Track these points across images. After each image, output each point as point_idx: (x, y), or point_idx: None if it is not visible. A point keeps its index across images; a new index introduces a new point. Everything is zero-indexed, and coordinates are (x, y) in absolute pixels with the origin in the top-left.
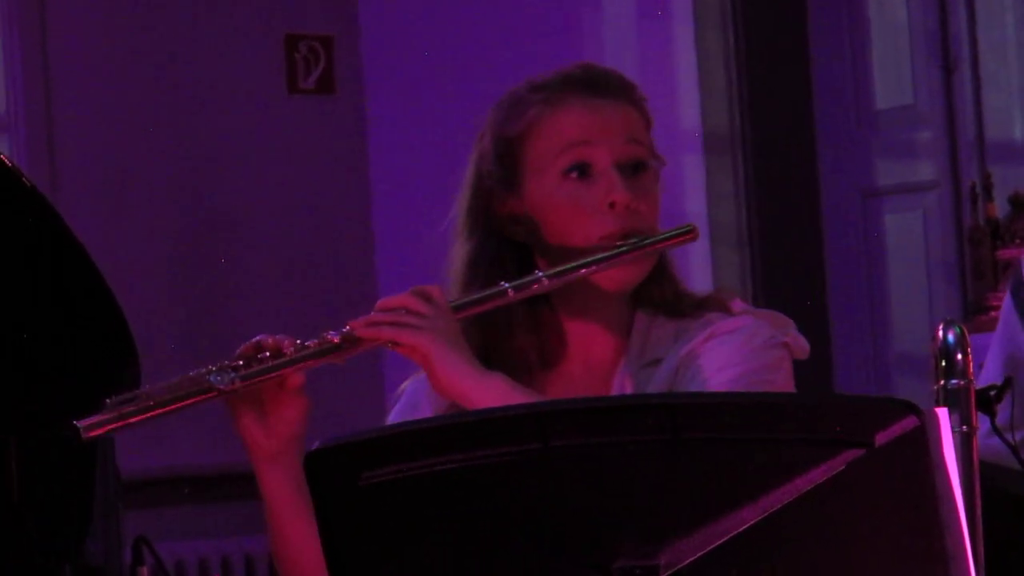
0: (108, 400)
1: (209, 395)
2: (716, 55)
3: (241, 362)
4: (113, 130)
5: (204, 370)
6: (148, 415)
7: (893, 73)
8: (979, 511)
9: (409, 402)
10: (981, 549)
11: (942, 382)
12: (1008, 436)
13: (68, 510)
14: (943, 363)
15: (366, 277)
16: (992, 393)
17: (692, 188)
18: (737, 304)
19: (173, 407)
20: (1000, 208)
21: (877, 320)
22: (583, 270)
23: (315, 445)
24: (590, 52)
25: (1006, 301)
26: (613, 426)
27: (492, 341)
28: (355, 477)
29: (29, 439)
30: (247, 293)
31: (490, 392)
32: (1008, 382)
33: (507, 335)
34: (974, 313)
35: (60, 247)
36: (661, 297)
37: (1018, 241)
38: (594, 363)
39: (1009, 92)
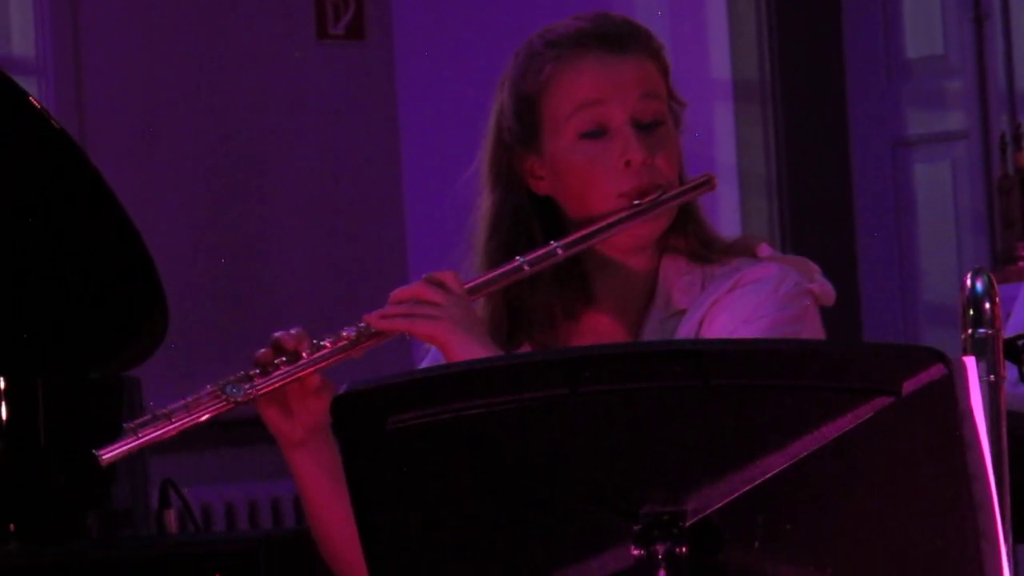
0: (126, 425)
1: (225, 407)
2: (746, 4)
3: (257, 371)
4: (141, 75)
5: (220, 383)
6: (167, 435)
7: (924, 23)
8: (1006, 460)
9: (435, 359)
10: (1008, 498)
11: (970, 331)
12: None
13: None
14: (971, 312)
15: (395, 223)
16: (1020, 343)
17: (722, 137)
18: (764, 249)
19: (191, 423)
20: None
21: (906, 269)
22: (599, 236)
23: (342, 389)
24: (620, 4)
25: None
26: (641, 372)
27: (516, 297)
28: (382, 421)
29: (56, 383)
30: (276, 238)
31: None
32: None
33: (531, 290)
34: (1003, 263)
35: (90, 190)
36: (687, 245)
37: None
38: (620, 314)
39: None
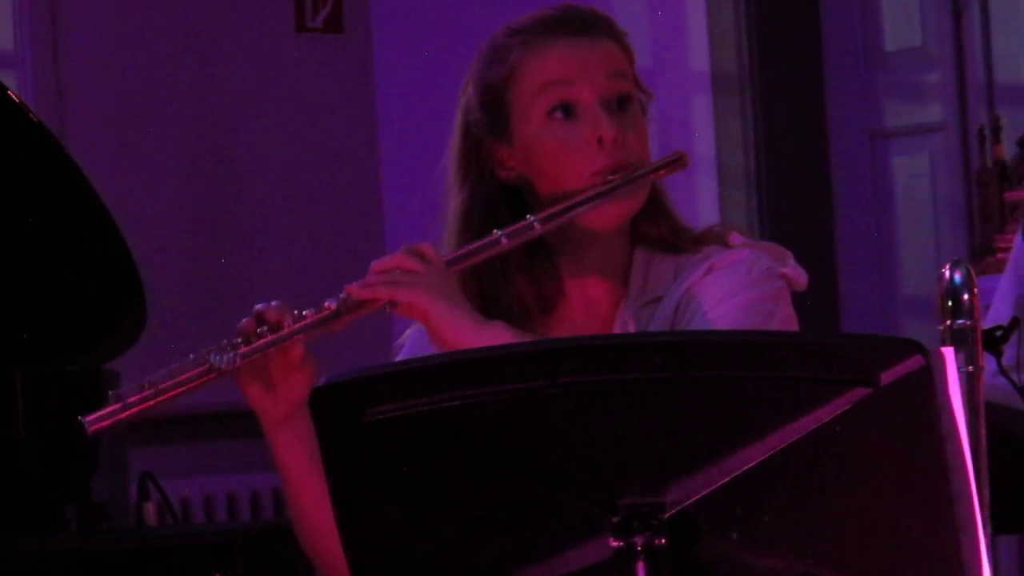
0: (111, 392)
1: (210, 376)
2: None
3: (240, 339)
4: (120, 68)
5: (204, 351)
6: (152, 403)
7: (902, 14)
8: (984, 450)
9: (411, 351)
10: (986, 489)
11: (948, 322)
12: (1014, 376)
13: (73, 447)
14: (949, 303)
15: (374, 215)
16: (998, 333)
17: (700, 129)
18: (735, 237)
19: (176, 392)
20: (1008, 150)
21: (884, 261)
22: (576, 210)
23: (321, 381)
24: None
25: (1017, 242)
26: (620, 363)
27: (490, 289)
28: (360, 413)
29: (35, 375)
30: (255, 231)
31: (491, 341)
32: (1015, 322)
33: (504, 282)
34: (981, 255)
35: (67, 184)
36: (658, 234)
37: None
38: (594, 304)
39: (1018, 33)
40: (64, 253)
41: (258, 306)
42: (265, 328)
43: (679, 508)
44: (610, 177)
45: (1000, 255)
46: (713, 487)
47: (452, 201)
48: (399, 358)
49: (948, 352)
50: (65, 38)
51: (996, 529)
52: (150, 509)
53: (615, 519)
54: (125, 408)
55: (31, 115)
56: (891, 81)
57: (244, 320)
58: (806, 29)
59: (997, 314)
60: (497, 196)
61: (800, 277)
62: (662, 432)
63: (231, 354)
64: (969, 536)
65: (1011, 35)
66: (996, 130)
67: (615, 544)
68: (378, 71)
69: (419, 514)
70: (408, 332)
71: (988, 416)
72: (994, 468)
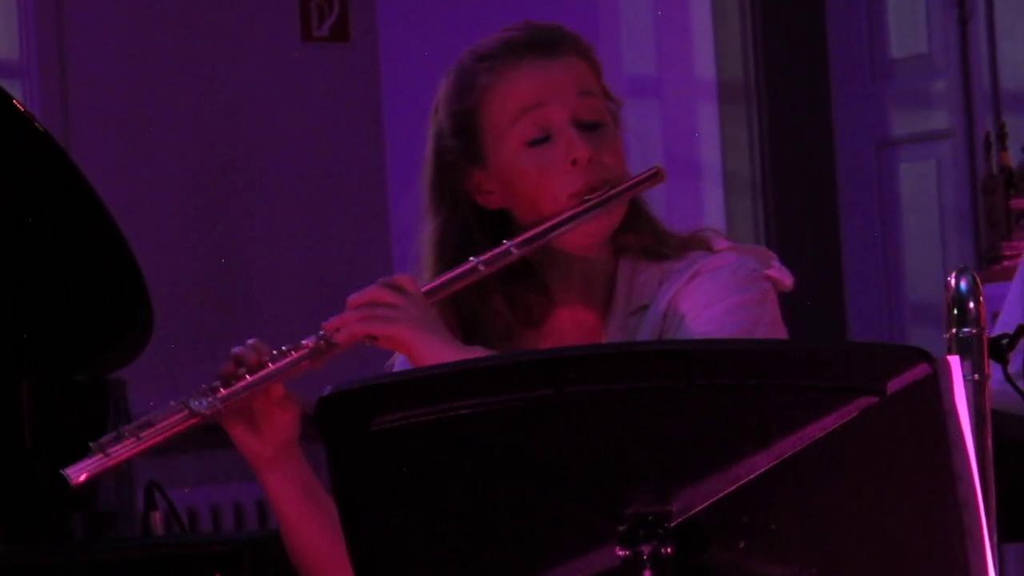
0: (92, 444)
1: (191, 422)
2: (731, 3)
3: (219, 383)
4: (127, 77)
5: (183, 398)
6: (134, 451)
7: (908, 22)
8: (991, 459)
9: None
10: (992, 497)
11: (954, 330)
12: (1021, 384)
13: (80, 456)
14: (955, 311)
15: (380, 224)
16: (1004, 341)
17: (706, 137)
18: (720, 242)
19: (157, 440)
20: (1014, 157)
21: (891, 269)
22: (553, 232)
23: (327, 390)
24: (605, 7)
25: None
26: (626, 372)
27: (470, 313)
28: (366, 422)
29: (41, 385)
30: (261, 240)
31: None
32: (1021, 330)
33: (483, 304)
34: (988, 262)
35: (73, 193)
36: (641, 243)
37: None
38: (582, 317)
39: None
40: (70, 262)
41: (235, 349)
42: (243, 370)
43: (686, 517)
44: (587, 197)
45: (1006, 263)
46: (720, 495)
47: (426, 228)
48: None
49: (954, 360)
50: (71, 47)
51: (1002, 537)
52: (157, 518)
53: (621, 528)
54: (107, 458)
55: (37, 124)
56: (897, 89)
57: (224, 364)
58: (812, 37)
59: (1007, 320)
60: (473, 222)
61: (785, 278)
62: (668, 440)
63: (211, 398)
64: (975, 544)
65: (1017, 42)
66: (1002, 137)
67: (622, 553)
68: (384, 80)
69: (426, 523)
70: (395, 358)
71: (995, 424)
72: (1000, 476)
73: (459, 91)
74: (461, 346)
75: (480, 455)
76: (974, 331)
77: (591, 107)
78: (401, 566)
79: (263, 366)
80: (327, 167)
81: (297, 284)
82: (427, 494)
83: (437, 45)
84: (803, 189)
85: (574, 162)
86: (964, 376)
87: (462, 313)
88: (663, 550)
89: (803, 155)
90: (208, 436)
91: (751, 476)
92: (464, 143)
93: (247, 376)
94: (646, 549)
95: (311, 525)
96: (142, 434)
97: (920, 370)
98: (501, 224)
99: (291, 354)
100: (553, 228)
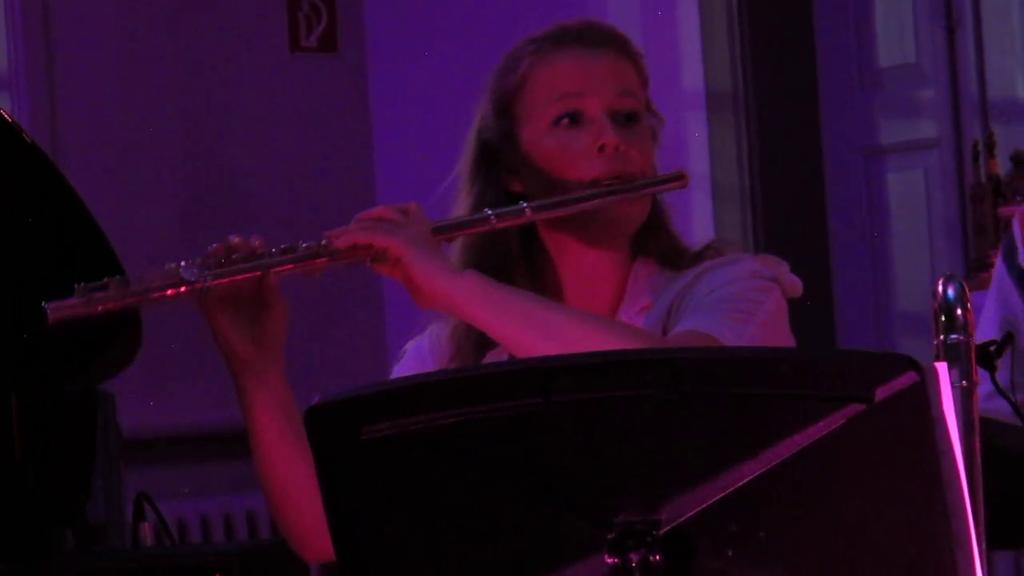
0: (77, 286)
1: (179, 289)
2: (719, 13)
3: (212, 260)
4: (115, 88)
5: (174, 265)
6: (117, 303)
7: (896, 31)
8: (979, 466)
9: (411, 363)
10: (981, 505)
11: (942, 337)
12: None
13: (70, 468)
14: (943, 318)
15: None
16: (992, 348)
17: (695, 147)
18: (732, 253)
19: (142, 298)
20: (1002, 166)
21: (879, 277)
22: (568, 207)
23: (316, 399)
24: (593, 9)
25: (998, 265)
26: (614, 381)
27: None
28: (356, 432)
29: (30, 397)
30: None
31: (464, 288)
32: (1009, 337)
33: (505, 280)
34: (976, 270)
35: (62, 205)
36: (658, 249)
37: (1019, 198)
38: (591, 310)
39: (1012, 50)
40: (58, 273)
41: (235, 237)
42: (240, 255)
43: (674, 525)
44: (608, 183)
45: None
46: (708, 503)
47: (459, 207)
48: (398, 368)
49: (942, 367)
50: (59, 59)
51: (991, 545)
52: (146, 530)
53: (610, 536)
54: (89, 303)
55: (25, 136)
56: (885, 98)
57: (215, 245)
58: (800, 46)
59: (984, 334)
60: (502, 201)
61: (795, 284)
62: (657, 449)
63: (204, 271)
64: (964, 552)
65: (1005, 51)
66: (990, 146)
67: (611, 561)
68: (372, 90)
69: (415, 531)
70: (410, 344)
71: (983, 432)
72: (989, 483)
73: (503, 71)
74: (454, 268)
75: (470, 464)
76: (962, 338)
77: (628, 105)
78: (392, 574)
79: (260, 256)
80: (316, 177)
81: (286, 292)
82: (417, 503)
83: (425, 56)
84: (791, 198)
85: (601, 148)
86: (952, 383)
87: None
88: (652, 558)
89: (791, 164)
90: (197, 448)
91: (739, 484)
92: (501, 123)
93: (242, 261)
94: (635, 557)
95: (285, 447)
96: (128, 288)
97: (908, 378)
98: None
99: (291, 249)
100: (569, 201)
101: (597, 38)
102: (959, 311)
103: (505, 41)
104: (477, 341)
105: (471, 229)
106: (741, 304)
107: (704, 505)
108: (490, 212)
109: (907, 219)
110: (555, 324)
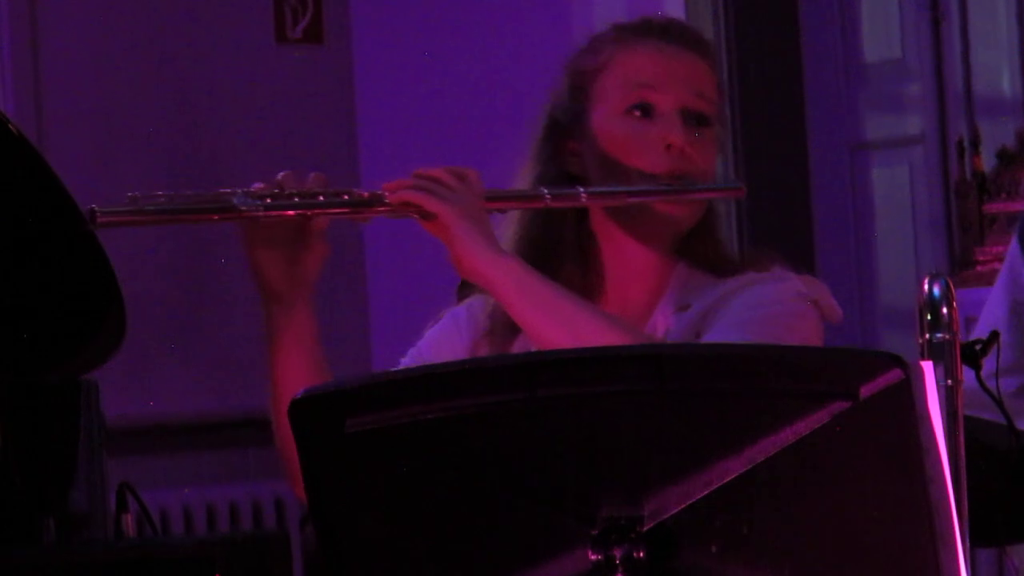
0: (130, 194)
1: (230, 214)
2: (704, 8)
3: (268, 192)
4: (100, 79)
5: (228, 191)
6: (164, 217)
7: (881, 26)
8: (963, 463)
9: (445, 327)
10: (965, 502)
11: (927, 335)
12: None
13: (52, 458)
14: (928, 316)
15: (352, 226)
16: (978, 347)
17: None
18: (777, 267)
19: (192, 217)
20: (987, 162)
21: (864, 273)
22: (624, 197)
23: (300, 393)
24: (579, 7)
25: (1012, 246)
26: (599, 376)
27: (539, 266)
28: (340, 425)
29: (12, 386)
30: (234, 240)
31: (503, 271)
32: (995, 335)
33: (555, 263)
34: (960, 267)
35: (46, 194)
36: (703, 253)
37: (1004, 195)
38: (630, 304)
39: (997, 46)
40: (42, 262)
41: (283, 173)
42: (294, 192)
43: (658, 520)
44: (667, 183)
45: (979, 267)
46: (692, 499)
47: (520, 181)
48: (434, 329)
49: (927, 365)
50: (44, 49)
51: (975, 542)
52: (128, 520)
53: (594, 531)
54: (138, 212)
55: (10, 126)
56: (871, 93)
57: (282, 174)
58: (785, 41)
59: (989, 319)
60: (565, 181)
61: (835, 309)
62: (641, 444)
63: (257, 202)
64: (948, 549)
65: (990, 46)
66: (975, 142)
67: (594, 557)
68: (358, 81)
69: (398, 525)
70: (446, 311)
71: (968, 430)
72: (973, 480)
73: (584, 52)
74: (499, 248)
75: (454, 458)
76: (947, 336)
77: (701, 107)
78: (375, 568)
79: (316, 196)
80: (301, 168)
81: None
82: (401, 496)
83: (411, 47)
84: (777, 193)
85: (668, 146)
86: (937, 381)
87: (535, 266)
88: (635, 554)
89: (777, 159)
90: (181, 438)
91: (724, 480)
92: (574, 102)
93: (297, 198)
94: (618, 552)
95: (301, 379)
96: (177, 203)
97: (893, 375)
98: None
99: (343, 195)
100: (627, 192)
101: (682, 36)
102: (944, 309)
103: (489, 35)
104: (512, 324)
105: (525, 204)
106: (779, 324)
107: (688, 501)
108: (546, 192)
109: (892, 215)
110: (582, 324)
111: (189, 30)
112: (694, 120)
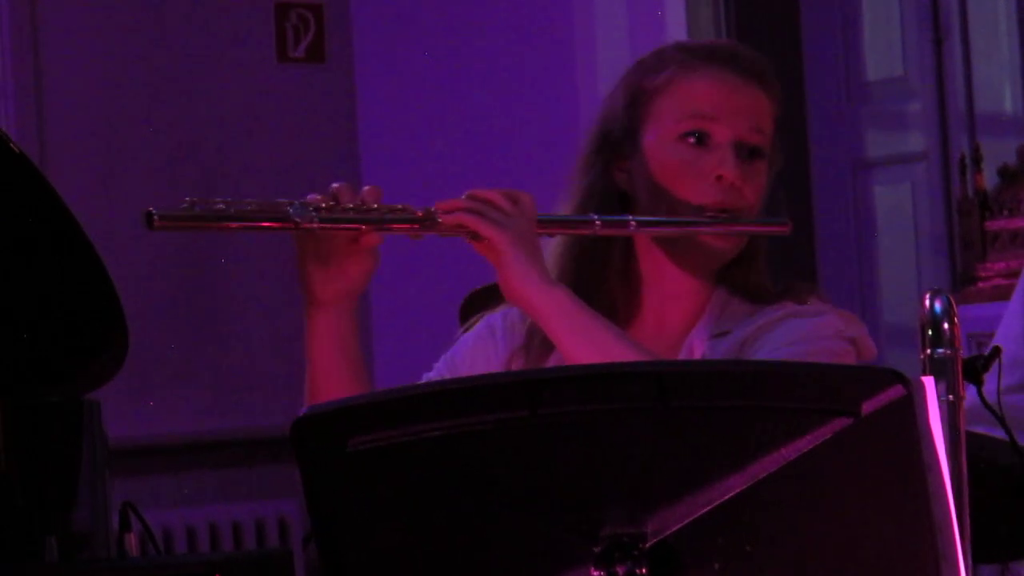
0: (188, 198)
1: (285, 225)
2: (707, 25)
3: (323, 204)
4: (103, 98)
5: (284, 201)
6: (220, 224)
7: (883, 44)
8: (966, 480)
9: (480, 332)
10: (967, 519)
11: (929, 351)
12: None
13: (55, 478)
14: (930, 332)
15: None
16: (980, 363)
17: None
18: (813, 301)
19: (246, 224)
20: (989, 179)
21: (866, 290)
22: (672, 228)
23: (302, 411)
24: (580, 22)
25: None
26: (601, 394)
27: (583, 290)
28: (343, 443)
29: (14, 405)
30: (236, 259)
31: (552, 303)
32: (996, 351)
33: (599, 280)
34: (962, 284)
35: (48, 213)
36: (743, 281)
37: (1006, 212)
38: (667, 327)
39: (999, 63)
40: (45, 282)
41: (337, 185)
42: (349, 205)
43: (661, 538)
44: (714, 214)
45: (981, 284)
46: (695, 517)
47: (569, 193)
48: (468, 334)
49: (929, 381)
50: (47, 68)
51: (977, 558)
52: (132, 540)
53: (596, 549)
54: (195, 217)
55: (12, 145)
56: (873, 111)
57: (337, 185)
58: (788, 59)
59: (1006, 333)
60: (613, 196)
61: (870, 347)
62: (643, 462)
63: (312, 214)
64: (950, 565)
65: (992, 64)
66: (977, 159)
67: (597, 574)
68: (360, 101)
69: (402, 543)
70: (478, 317)
71: (971, 446)
72: (975, 497)
73: (646, 69)
74: (550, 279)
75: (456, 476)
76: (949, 352)
77: (756, 141)
78: None
79: (368, 211)
80: (303, 187)
81: (273, 305)
82: (404, 514)
83: (412, 67)
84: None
85: (719, 178)
86: (939, 397)
87: (577, 289)
88: (638, 571)
89: (779, 177)
90: (184, 458)
91: (726, 497)
92: (629, 118)
93: (352, 212)
94: (621, 570)
95: (336, 382)
96: (234, 210)
97: (895, 391)
98: (622, 207)
99: (400, 212)
100: (677, 224)
101: (746, 66)
102: (946, 325)
103: (491, 52)
104: (550, 341)
105: (575, 229)
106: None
107: (691, 518)
108: (596, 218)
109: (894, 232)
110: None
111: (191, 49)
112: (747, 153)
